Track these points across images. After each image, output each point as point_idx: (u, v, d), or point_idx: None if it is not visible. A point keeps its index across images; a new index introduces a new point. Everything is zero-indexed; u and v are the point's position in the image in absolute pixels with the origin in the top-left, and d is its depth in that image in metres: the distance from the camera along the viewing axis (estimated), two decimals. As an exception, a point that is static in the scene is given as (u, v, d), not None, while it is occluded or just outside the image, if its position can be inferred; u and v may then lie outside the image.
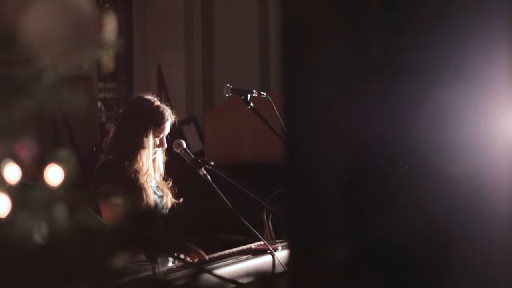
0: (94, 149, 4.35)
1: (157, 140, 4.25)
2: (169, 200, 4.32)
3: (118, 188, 3.98)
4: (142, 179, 4.16)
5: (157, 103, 4.34)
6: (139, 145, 4.21)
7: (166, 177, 4.39)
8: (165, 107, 4.34)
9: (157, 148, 4.26)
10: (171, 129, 4.33)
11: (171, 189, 4.36)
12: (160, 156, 4.35)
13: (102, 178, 4.15)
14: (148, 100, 4.37)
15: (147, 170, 4.22)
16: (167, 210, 4.30)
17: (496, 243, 1.72)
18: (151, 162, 4.25)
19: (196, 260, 4.06)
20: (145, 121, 4.26)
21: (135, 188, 4.12)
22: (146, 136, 4.22)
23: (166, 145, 4.28)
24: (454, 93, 1.67)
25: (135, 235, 1.53)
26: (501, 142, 1.70)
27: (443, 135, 1.68)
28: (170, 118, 4.31)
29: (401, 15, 1.70)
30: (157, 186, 4.30)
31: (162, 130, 4.26)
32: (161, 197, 4.28)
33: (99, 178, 4.17)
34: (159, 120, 4.26)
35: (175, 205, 4.34)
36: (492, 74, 1.69)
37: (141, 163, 4.20)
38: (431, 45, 1.68)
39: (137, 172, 4.17)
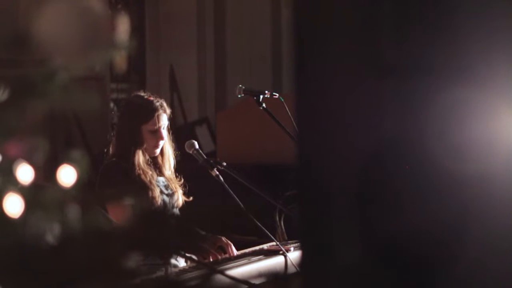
0: (105, 150, 4.35)
1: (153, 134, 4.24)
2: (180, 197, 4.31)
3: (122, 190, 3.99)
4: (146, 178, 4.16)
5: (148, 97, 4.33)
6: (135, 142, 4.21)
7: (177, 174, 4.38)
8: (156, 99, 4.32)
9: (157, 142, 4.25)
10: (182, 129, 4.32)
11: (182, 186, 4.36)
12: (169, 151, 4.34)
13: (104, 181, 4.16)
14: (139, 96, 4.37)
15: (146, 167, 4.22)
16: (178, 208, 4.29)
17: (508, 244, 1.72)
18: (143, 160, 4.23)
19: (208, 260, 4.06)
20: (134, 116, 4.26)
21: (139, 188, 4.11)
22: (139, 132, 4.22)
23: (164, 138, 4.26)
24: (464, 94, 1.66)
25: (147, 236, 1.53)
26: (511, 143, 1.70)
27: (454, 136, 1.67)
28: (161, 109, 4.27)
29: (412, 17, 1.70)
30: (166, 185, 4.29)
31: (154, 123, 4.23)
32: (171, 195, 4.28)
33: (101, 182, 4.17)
34: (147, 112, 4.24)
35: (186, 204, 4.33)
36: (501, 75, 1.69)
37: (138, 160, 4.20)
38: (441, 46, 1.68)
39: (139, 170, 4.17)
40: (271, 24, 9.49)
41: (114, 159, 4.22)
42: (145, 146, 4.22)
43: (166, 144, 4.32)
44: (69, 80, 1.53)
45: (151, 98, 4.31)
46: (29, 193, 1.49)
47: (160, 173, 4.31)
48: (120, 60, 1.52)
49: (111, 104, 9.54)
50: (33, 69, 1.52)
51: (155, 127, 4.23)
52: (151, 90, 4.56)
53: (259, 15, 9.51)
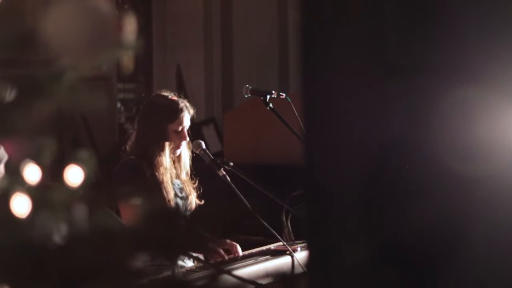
0: (121, 152, 4.33)
1: (178, 134, 4.23)
2: (193, 200, 4.29)
3: (137, 189, 3.97)
4: (164, 178, 4.14)
5: (172, 97, 4.32)
6: (159, 142, 4.19)
7: (192, 176, 4.37)
8: (181, 100, 4.32)
9: (180, 143, 4.23)
10: (190, 128, 4.30)
11: (196, 188, 4.34)
12: (186, 153, 4.32)
13: (121, 178, 4.15)
14: (163, 96, 4.36)
15: (169, 167, 4.21)
16: (190, 211, 4.27)
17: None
18: (169, 159, 4.23)
19: (215, 261, 4.06)
20: (160, 116, 4.24)
21: (155, 188, 4.10)
22: (165, 132, 4.21)
23: (187, 138, 4.26)
24: (470, 94, 1.66)
25: (154, 236, 1.53)
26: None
27: (460, 136, 1.67)
28: (186, 110, 4.27)
29: (418, 17, 1.69)
30: (181, 187, 4.27)
31: (180, 123, 4.22)
32: (185, 198, 4.26)
33: (118, 179, 4.16)
34: (174, 113, 4.23)
35: (197, 206, 4.32)
36: (506, 75, 1.68)
37: (162, 160, 4.19)
38: (447, 46, 1.67)
39: (159, 170, 4.16)
40: (278, 24, 9.49)
41: (132, 157, 4.20)
42: (166, 146, 4.21)
43: (184, 147, 4.30)
44: (76, 80, 1.53)
45: (175, 98, 4.30)
46: (36, 193, 1.49)
47: (176, 175, 4.30)
48: (127, 60, 1.52)
49: (118, 104, 9.55)
50: (40, 69, 1.53)
51: (180, 127, 4.22)
52: (158, 90, 4.55)
53: (266, 15, 9.50)
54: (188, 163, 4.34)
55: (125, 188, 3.95)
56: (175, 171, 4.28)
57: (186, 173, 4.33)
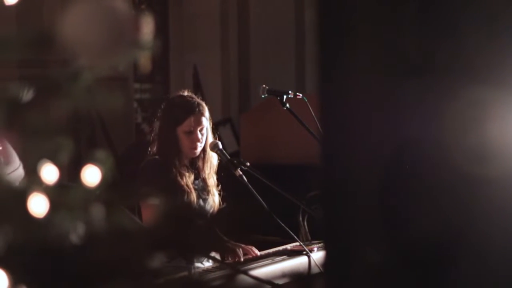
0: (143, 152, 4.31)
1: (189, 136, 4.20)
2: (215, 201, 4.27)
3: (158, 189, 3.97)
4: (182, 180, 4.14)
5: (184, 98, 4.29)
6: (172, 144, 4.19)
7: (218, 178, 4.34)
8: (195, 100, 4.28)
9: (193, 144, 4.21)
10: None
11: (220, 190, 4.32)
12: (211, 153, 4.32)
13: (144, 177, 4.15)
14: (176, 96, 4.34)
15: (190, 167, 4.21)
16: (212, 212, 4.24)
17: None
18: (188, 160, 4.22)
19: (232, 261, 4.06)
20: (170, 118, 4.24)
21: (176, 189, 4.09)
22: (174, 134, 4.19)
23: (200, 140, 4.22)
24: (485, 95, 1.65)
25: (173, 237, 1.54)
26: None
27: (477, 137, 1.67)
28: (196, 111, 4.23)
29: (433, 18, 1.69)
30: (203, 188, 4.26)
31: (189, 125, 4.20)
32: (206, 199, 4.24)
33: (141, 178, 4.16)
34: (181, 114, 4.21)
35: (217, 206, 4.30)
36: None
37: (180, 161, 4.19)
38: (463, 48, 1.67)
39: (178, 171, 4.15)
40: (295, 24, 9.48)
41: (156, 156, 4.20)
42: (181, 147, 4.19)
43: (207, 146, 4.27)
44: (93, 80, 1.54)
45: (189, 99, 4.27)
46: (53, 193, 1.49)
47: (199, 175, 4.28)
48: (144, 60, 1.52)
49: (135, 104, 9.56)
50: (57, 69, 1.53)
51: (189, 129, 4.18)
52: (175, 90, 4.54)
53: (283, 15, 9.50)
54: (215, 163, 4.30)
55: (147, 188, 3.96)
56: (197, 171, 4.27)
57: (210, 174, 4.29)
